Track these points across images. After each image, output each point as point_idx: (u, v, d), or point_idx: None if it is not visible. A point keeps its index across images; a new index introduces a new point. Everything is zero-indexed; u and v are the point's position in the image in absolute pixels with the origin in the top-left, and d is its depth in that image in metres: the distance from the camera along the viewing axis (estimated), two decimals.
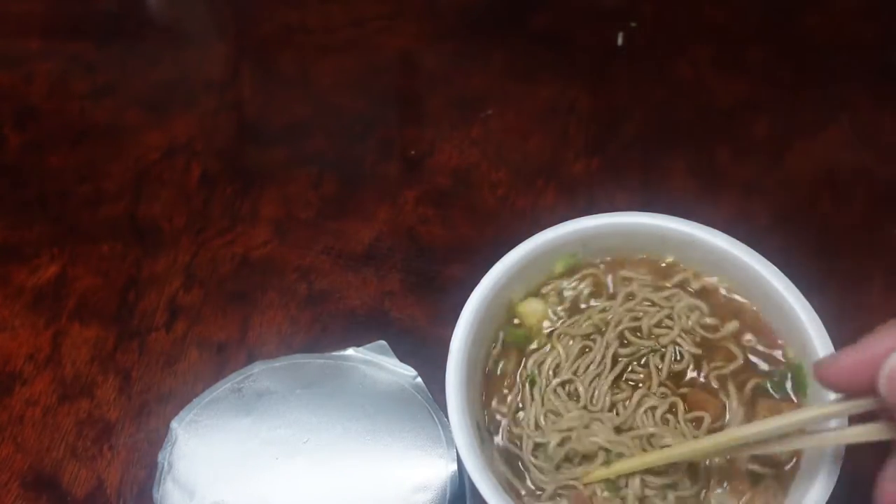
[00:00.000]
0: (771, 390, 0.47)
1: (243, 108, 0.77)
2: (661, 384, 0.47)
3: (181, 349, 0.61)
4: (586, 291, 0.51)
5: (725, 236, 0.49)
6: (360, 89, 0.78)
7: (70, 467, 0.56)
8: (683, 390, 0.47)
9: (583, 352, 0.48)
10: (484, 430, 0.47)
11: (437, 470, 0.50)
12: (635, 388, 0.47)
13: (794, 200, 0.69)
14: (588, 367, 0.47)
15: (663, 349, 0.48)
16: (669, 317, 0.49)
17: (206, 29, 0.85)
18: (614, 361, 0.48)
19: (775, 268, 0.48)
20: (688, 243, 0.50)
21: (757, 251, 0.48)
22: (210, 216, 0.69)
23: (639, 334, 0.48)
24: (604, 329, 0.48)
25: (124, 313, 0.63)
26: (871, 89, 0.75)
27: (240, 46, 0.82)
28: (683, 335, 0.48)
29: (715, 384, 0.47)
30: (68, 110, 0.77)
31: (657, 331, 0.48)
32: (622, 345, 0.48)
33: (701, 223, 0.50)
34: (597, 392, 0.47)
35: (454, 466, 0.49)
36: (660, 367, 0.48)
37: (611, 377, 0.47)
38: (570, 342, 0.48)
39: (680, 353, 0.48)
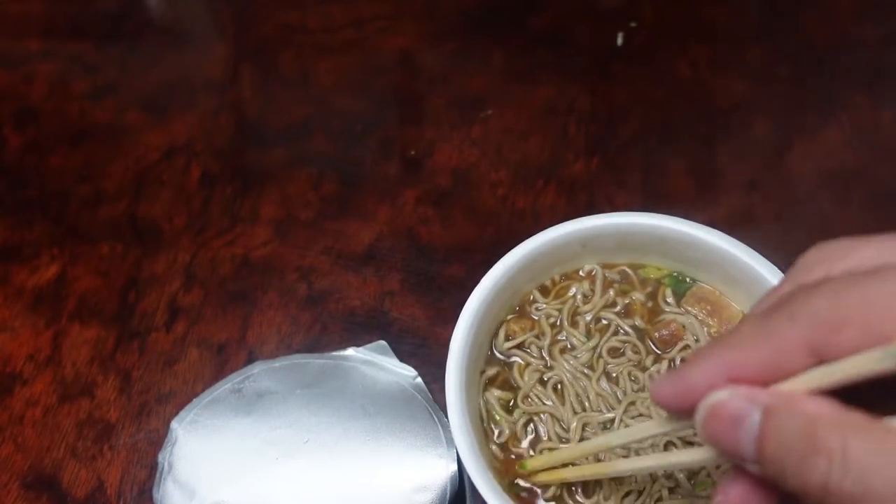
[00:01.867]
0: None
1: (243, 108, 0.77)
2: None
3: (181, 349, 0.61)
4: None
5: (725, 236, 0.49)
6: (360, 89, 0.78)
7: (70, 467, 0.56)
8: None
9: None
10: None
11: (437, 470, 0.50)
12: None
13: (794, 200, 0.69)
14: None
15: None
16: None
17: (206, 29, 0.85)
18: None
19: (775, 268, 0.48)
20: (688, 243, 0.50)
21: (757, 251, 0.48)
22: (210, 216, 0.69)
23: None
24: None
25: (124, 313, 0.63)
26: (871, 89, 0.75)
27: (240, 46, 0.82)
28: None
29: None
30: (68, 110, 0.77)
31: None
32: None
33: (701, 223, 0.50)
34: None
35: (454, 466, 0.49)
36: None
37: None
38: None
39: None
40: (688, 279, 0.51)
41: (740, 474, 0.32)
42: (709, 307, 0.50)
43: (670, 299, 0.51)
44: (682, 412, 0.33)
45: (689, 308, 0.50)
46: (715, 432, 0.31)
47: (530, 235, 0.50)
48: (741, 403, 0.30)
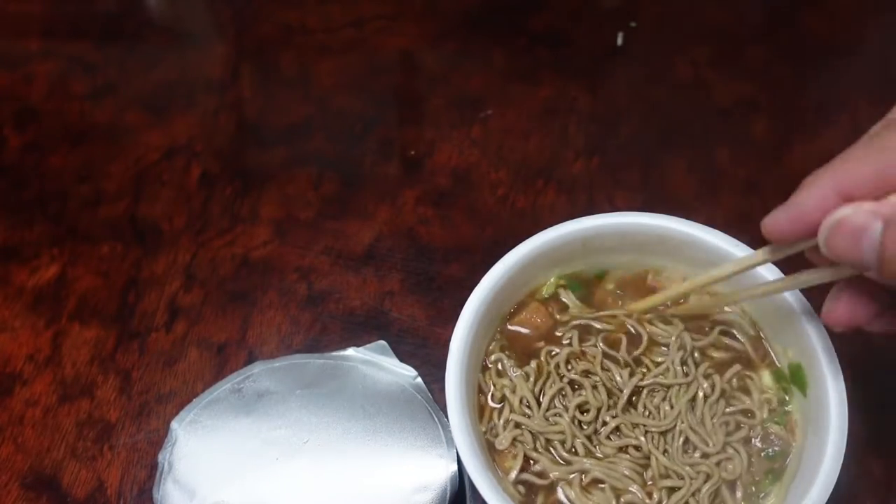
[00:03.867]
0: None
1: (243, 108, 0.77)
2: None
3: (181, 349, 0.61)
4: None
5: (725, 236, 0.49)
6: (360, 89, 0.78)
7: (70, 468, 0.56)
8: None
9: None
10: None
11: (437, 470, 0.50)
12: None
13: None
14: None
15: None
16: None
17: (206, 29, 0.85)
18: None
19: (775, 268, 0.48)
20: (688, 243, 0.50)
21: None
22: (210, 216, 0.69)
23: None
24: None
25: (124, 313, 0.63)
26: (871, 89, 0.75)
27: (240, 46, 0.82)
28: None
29: None
30: (68, 110, 0.77)
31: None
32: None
33: (701, 223, 0.50)
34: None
35: (454, 466, 0.49)
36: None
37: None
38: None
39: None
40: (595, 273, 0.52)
41: (843, 289, 0.38)
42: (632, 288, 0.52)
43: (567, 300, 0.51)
44: (794, 238, 0.38)
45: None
46: (838, 245, 0.35)
47: (530, 235, 0.50)
48: (863, 217, 0.34)
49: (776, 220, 0.39)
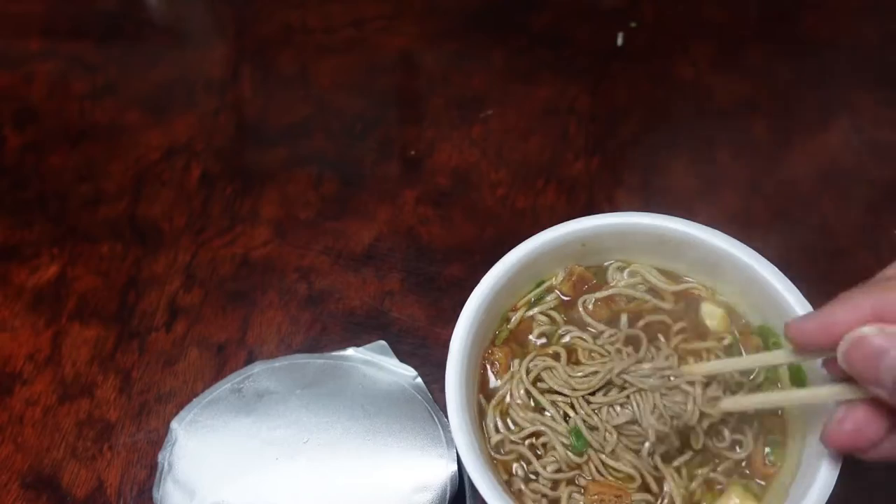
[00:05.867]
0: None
1: (243, 108, 0.77)
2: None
3: (181, 349, 0.61)
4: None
5: (725, 236, 0.49)
6: (360, 89, 0.78)
7: (70, 467, 0.56)
8: None
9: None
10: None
11: (437, 470, 0.50)
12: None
13: (794, 200, 0.69)
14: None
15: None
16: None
17: (206, 29, 0.85)
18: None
19: (775, 268, 0.48)
20: (687, 243, 0.50)
21: (757, 251, 0.48)
22: (210, 216, 0.69)
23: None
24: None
25: (124, 313, 0.63)
26: (871, 89, 0.75)
27: (240, 46, 0.82)
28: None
29: None
30: (68, 110, 0.77)
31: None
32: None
33: (701, 223, 0.50)
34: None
35: (454, 466, 0.50)
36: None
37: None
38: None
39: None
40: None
41: (850, 412, 0.38)
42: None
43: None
44: (815, 347, 0.39)
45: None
46: (855, 360, 0.36)
47: (530, 235, 0.50)
48: (885, 340, 0.35)
49: (802, 327, 0.39)
